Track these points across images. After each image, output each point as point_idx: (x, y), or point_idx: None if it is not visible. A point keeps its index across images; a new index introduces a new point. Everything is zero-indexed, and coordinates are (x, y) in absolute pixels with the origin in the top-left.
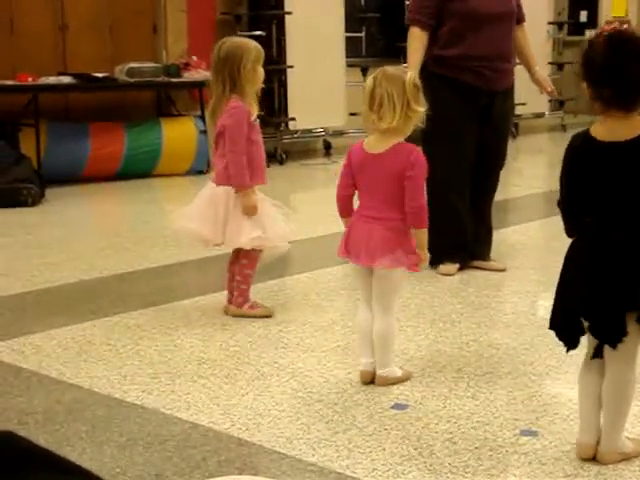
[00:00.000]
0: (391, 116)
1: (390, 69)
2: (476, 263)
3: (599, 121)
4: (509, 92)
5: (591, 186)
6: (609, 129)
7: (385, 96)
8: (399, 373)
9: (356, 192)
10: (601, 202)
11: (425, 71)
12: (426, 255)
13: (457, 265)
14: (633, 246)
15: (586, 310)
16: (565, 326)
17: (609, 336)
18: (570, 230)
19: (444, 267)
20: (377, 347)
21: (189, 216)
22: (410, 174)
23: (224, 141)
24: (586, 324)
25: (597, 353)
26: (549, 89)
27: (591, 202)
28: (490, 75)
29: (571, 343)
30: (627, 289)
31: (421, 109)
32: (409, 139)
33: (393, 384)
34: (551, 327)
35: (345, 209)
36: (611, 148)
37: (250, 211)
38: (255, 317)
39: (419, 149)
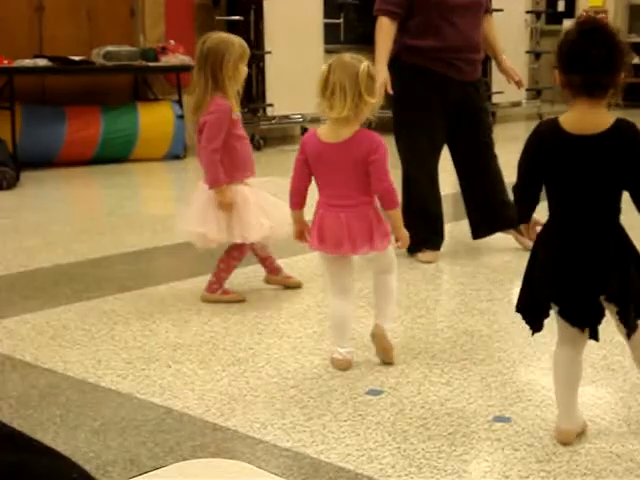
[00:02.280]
0: (341, 106)
1: (346, 57)
2: (511, 232)
3: (569, 111)
4: (479, 82)
5: (557, 178)
6: (578, 120)
7: (337, 85)
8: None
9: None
10: (567, 194)
11: (398, 61)
12: (405, 234)
13: (437, 252)
14: (600, 239)
15: (556, 294)
16: (530, 308)
17: (582, 319)
18: (523, 217)
19: (423, 255)
20: (383, 301)
21: (191, 220)
22: (374, 158)
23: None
24: (556, 308)
25: (593, 335)
26: (516, 78)
27: (557, 194)
28: (462, 66)
29: (535, 325)
30: (597, 275)
31: (373, 100)
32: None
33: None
34: (517, 310)
35: (298, 201)
36: (579, 141)
37: (226, 208)
38: (228, 302)
39: (378, 134)
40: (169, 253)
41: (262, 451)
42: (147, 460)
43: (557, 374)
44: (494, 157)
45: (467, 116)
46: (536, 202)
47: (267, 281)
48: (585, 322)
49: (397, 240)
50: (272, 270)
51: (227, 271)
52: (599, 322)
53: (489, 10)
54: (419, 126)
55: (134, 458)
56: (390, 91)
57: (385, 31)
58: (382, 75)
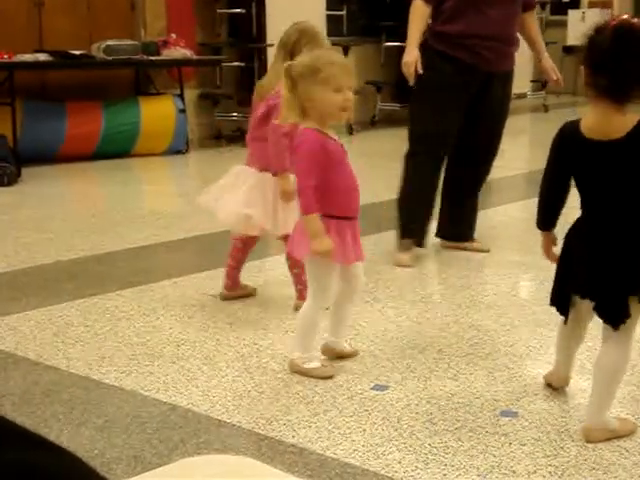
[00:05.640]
0: (288, 116)
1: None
2: (459, 244)
3: (589, 113)
4: (508, 76)
5: (580, 182)
6: (597, 124)
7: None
8: (313, 364)
9: None
10: (591, 198)
11: (425, 45)
12: (320, 244)
13: (411, 253)
14: (632, 234)
15: (590, 290)
16: (560, 301)
17: (612, 317)
18: (544, 222)
19: (396, 257)
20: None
21: (234, 201)
22: (293, 157)
23: (266, 121)
24: (592, 304)
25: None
26: (554, 77)
27: (583, 196)
28: (487, 55)
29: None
30: (630, 274)
31: (332, 99)
32: None
33: (301, 374)
34: (552, 303)
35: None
36: (597, 147)
37: (287, 197)
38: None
39: (307, 133)
40: (171, 249)
41: (267, 447)
42: (152, 457)
43: (561, 340)
44: (484, 163)
45: (480, 110)
46: (560, 206)
47: (224, 298)
48: (618, 319)
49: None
50: (235, 285)
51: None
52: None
53: (532, 6)
54: (435, 109)
55: (138, 455)
56: (420, 70)
57: (418, 13)
58: (412, 55)
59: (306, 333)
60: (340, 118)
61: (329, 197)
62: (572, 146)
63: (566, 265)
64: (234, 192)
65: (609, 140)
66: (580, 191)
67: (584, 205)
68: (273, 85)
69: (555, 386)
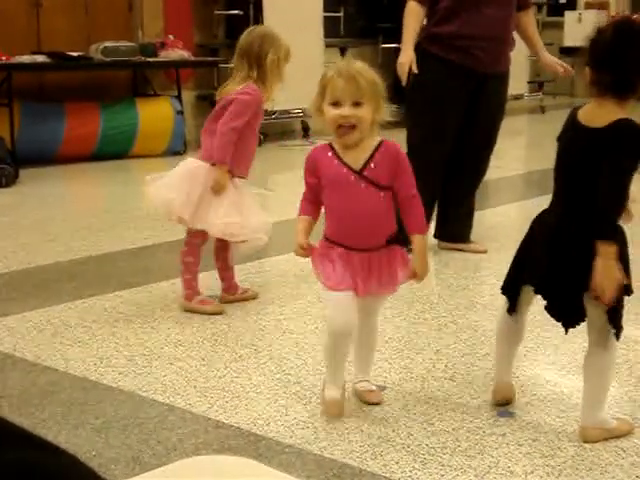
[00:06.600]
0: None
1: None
2: (457, 245)
3: (590, 105)
4: (503, 77)
5: (557, 161)
6: (592, 112)
7: None
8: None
9: None
10: (560, 180)
11: (419, 48)
12: (295, 245)
13: None
14: (588, 235)
15: (544, 289)
16: (512, 290)
17: (566, 318)
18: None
19: None
20: None
21: (164, 184)
22: None
23: (222, 115)
24: (543, 302)
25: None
26: (560, 69)
27: (555, 177)
28: (481, 56)
29: (512, 303)
30: (585, 270)
31: (328, 113)
32: None
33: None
34: (503, 291)
35: None
36: (581, 130)
37: (218, 188)
38: (205, 314)
39: (316, 147)
40: (170, 250)
41: (265, 448)
42: (150, 458)
43: (501, 336)
44: (480, 163)
45: (476, 110)
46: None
47: (223, 300)
48: (571, 320)
49: None
50: (230, 287)
51: (188, 271)
52: (581, 321)
53: (528, 5)
54: (433, 115)
55: (137, 456)
56: (415, 70)
57: (412, 14)
58: (406, 56)
59: (325, 358)
60: (339, 137)
61: (326, 216)
62: (565, 126)
63: (525, 253)
64: (168, 174)
65: (592, 127)
66: (555, 172)
67: (555, 190)
68: (230, 92)
69: (501, 401)
